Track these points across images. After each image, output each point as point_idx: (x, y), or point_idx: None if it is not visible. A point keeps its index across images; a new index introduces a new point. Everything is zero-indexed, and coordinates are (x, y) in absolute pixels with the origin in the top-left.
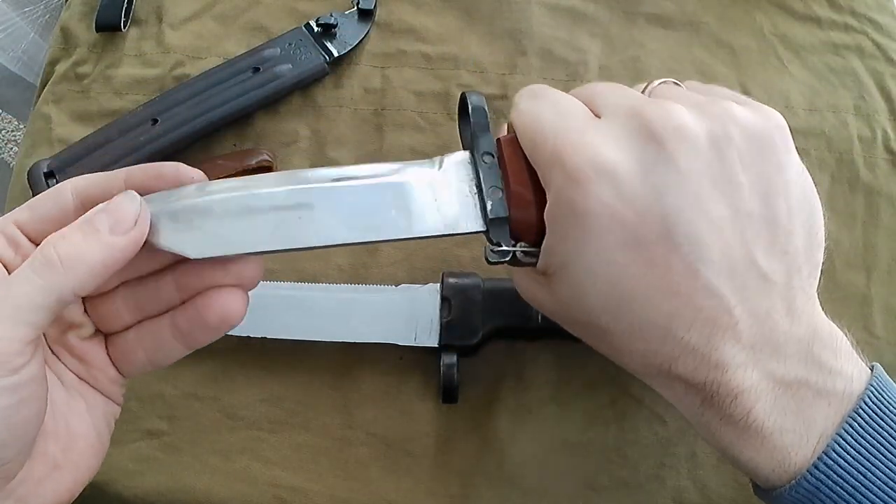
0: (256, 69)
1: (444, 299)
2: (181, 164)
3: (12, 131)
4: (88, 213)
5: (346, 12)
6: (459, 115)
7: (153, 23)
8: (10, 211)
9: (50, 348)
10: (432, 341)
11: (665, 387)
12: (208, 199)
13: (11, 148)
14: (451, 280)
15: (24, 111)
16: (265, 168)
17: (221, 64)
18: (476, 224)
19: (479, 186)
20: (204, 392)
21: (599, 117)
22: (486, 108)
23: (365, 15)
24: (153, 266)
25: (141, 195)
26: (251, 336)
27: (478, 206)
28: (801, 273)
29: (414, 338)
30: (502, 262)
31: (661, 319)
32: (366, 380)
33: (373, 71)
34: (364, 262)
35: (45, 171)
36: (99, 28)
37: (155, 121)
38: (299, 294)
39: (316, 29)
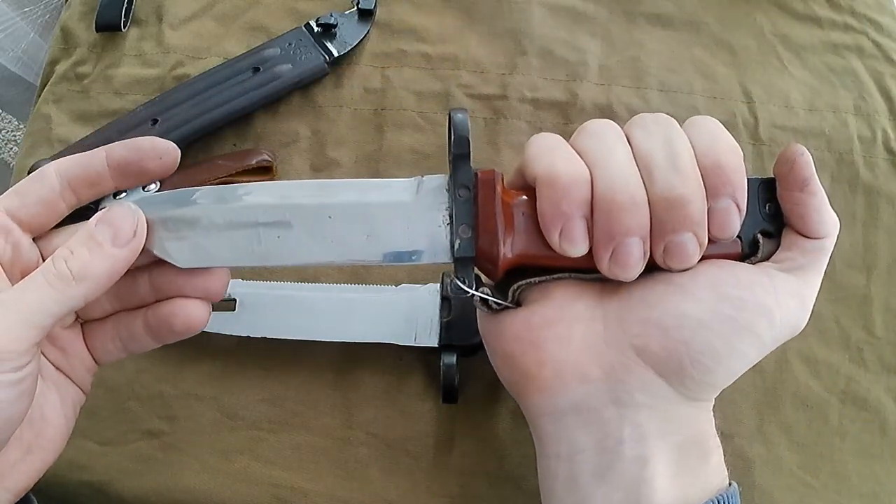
0: (256, 69)
1: (444, 299)
2: (156, 137)
3: (12, 131)
4: (90, 224)
5: (346, 12)
6: (448, 129)
7: (153, 23)
8: None
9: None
10: (432, 341)
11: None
12: (197, 210)
13: (11, 148)
14: (451, 280)
15: (24, 111)
16: (265, 168)
17: (221, 64)
18: (444, 256)
19: (451, 218)
20: (204, 392)
21: None
22: (469, 136)
23: (365, 15)
24: (136, 262)
25: (123, 174)
26: (251, 336)
27: (448, 238)
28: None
29: (414, 338)
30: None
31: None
32: (366, 380)
33: (373, 71)
34: None
35: None
36: (99, 28)
37: (155, 121)
38: (299, 294)
39: (316, 29)
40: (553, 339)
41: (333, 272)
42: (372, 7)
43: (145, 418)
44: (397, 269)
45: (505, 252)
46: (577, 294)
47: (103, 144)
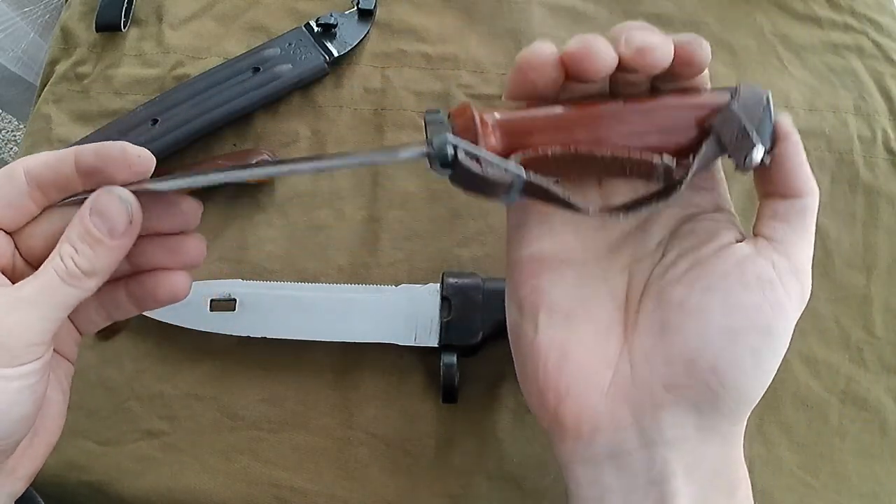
0: (256, 69)
1: (444, 299)
2: (127, 143)
3: (12, 131)
4: (85, 217)
5: (346, 12)
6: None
7: (153, 23)
8: None
9: None
10: (432, 341)
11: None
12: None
13: (11, 148)
14: (451, 280)
15: (24, 111)
16: None
17: (221, 64)
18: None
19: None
20: (204, 392)
21: None
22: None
23: (365, 15)
24: None
25: (92, 181)
26: (251, 336)
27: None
28: None
29: (414, 338)
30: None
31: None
32: (366, 380)
33: (373, 71)
34: (364, 262)
35: None
36: (99, 28)
37: (155, 121)
38: (299, 294)
39: (316, 29)
40: (589, 390)
41: (333, 272)
42: (372, 7)
43: (145, 418)
44: (397, 268)
45: (485, 123)
46: (606, 336)
47: None
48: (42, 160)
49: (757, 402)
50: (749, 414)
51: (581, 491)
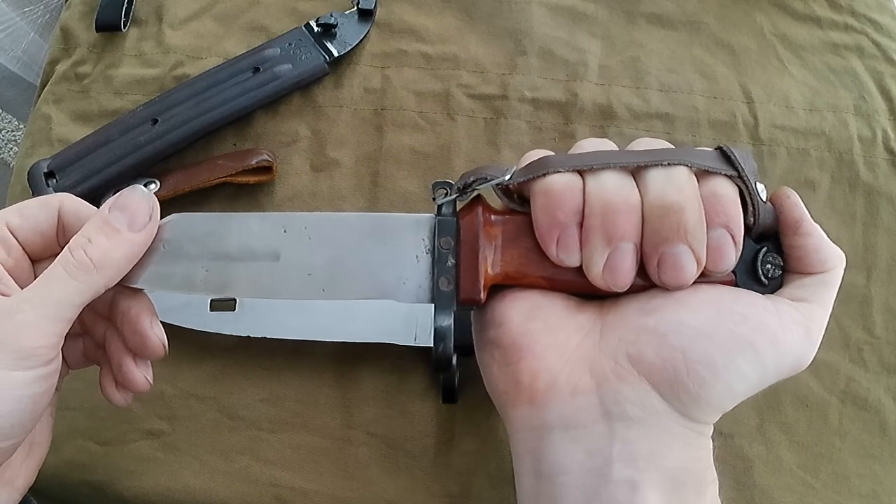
0: (256, 69)
1: None
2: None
3: (12, 131)
4: (104, 211)
5: (346, 12)
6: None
7: (153, 23)
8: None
9: None
10: (432, 341)
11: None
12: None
13: (11, 148)
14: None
15: (24, 111)
16: (265, 168)
17: (221, 64)
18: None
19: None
20: (204, 392)
21: None
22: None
23: (365, 15)
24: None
25: None
26: (251, 336)
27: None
28: None
29: (414, 338)
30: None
31: None
32: (366, 380)
33: (373, 71)
34: None
35: (45, 171)
36: (99, 28)
37: (155, 121)
38: None
39: (316, 29)
40: (552, 346)
41: None
42: (372, 7)
43: (145, 418)
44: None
45: (485, 295)
46: (579, 306)
47: (103, 144)
48: (78, 203)
49: (722, 410)
50: (713, 419)
51: (528, 466)
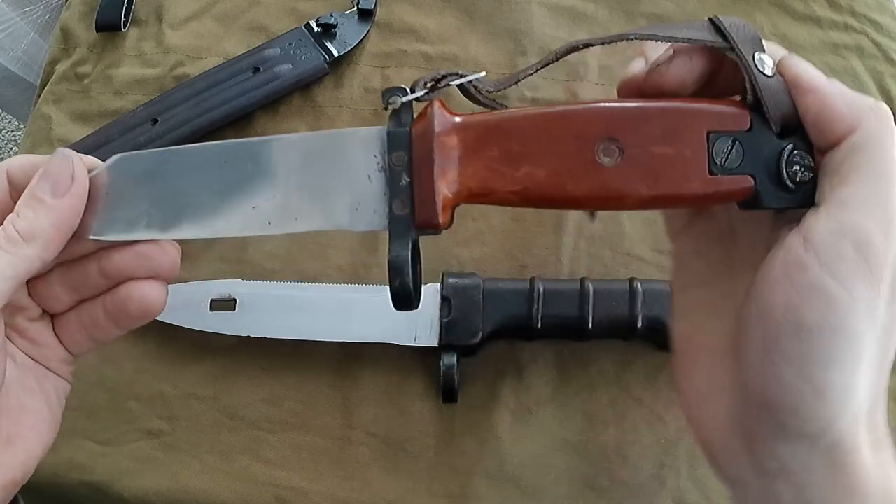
0: (256, 69)
1: (444, 299)
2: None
3: (12, 131)
4: (31, 183)
5: (346, 12)
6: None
7: (153, 23)
8: None
9: None
10: (432, 341)
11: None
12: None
13: (11, 148)
14: (451, 280)
15: (24, 111)
16: None
17: (221, 64)
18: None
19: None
20: (204, 392)
21: None
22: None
23: (365, 15)
24: (80, 251)
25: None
26: (251, 336)
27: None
28: None
29: (414, 338)
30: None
31: None
32: (366, 380)
33: (373, 71)
34: (364, 261)
35: None
36: (99, 28)
37: (155, 121)
38: (299, 294)
39: (316, 29)
40: (708, 419)
41: (333, 272)
42: (372, 7)
43: (145, 418)
44: None
45: (446, 218)
46: (721, 359)
47: (103, 144)
48: (24, 163)
49: (837, 420)
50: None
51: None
